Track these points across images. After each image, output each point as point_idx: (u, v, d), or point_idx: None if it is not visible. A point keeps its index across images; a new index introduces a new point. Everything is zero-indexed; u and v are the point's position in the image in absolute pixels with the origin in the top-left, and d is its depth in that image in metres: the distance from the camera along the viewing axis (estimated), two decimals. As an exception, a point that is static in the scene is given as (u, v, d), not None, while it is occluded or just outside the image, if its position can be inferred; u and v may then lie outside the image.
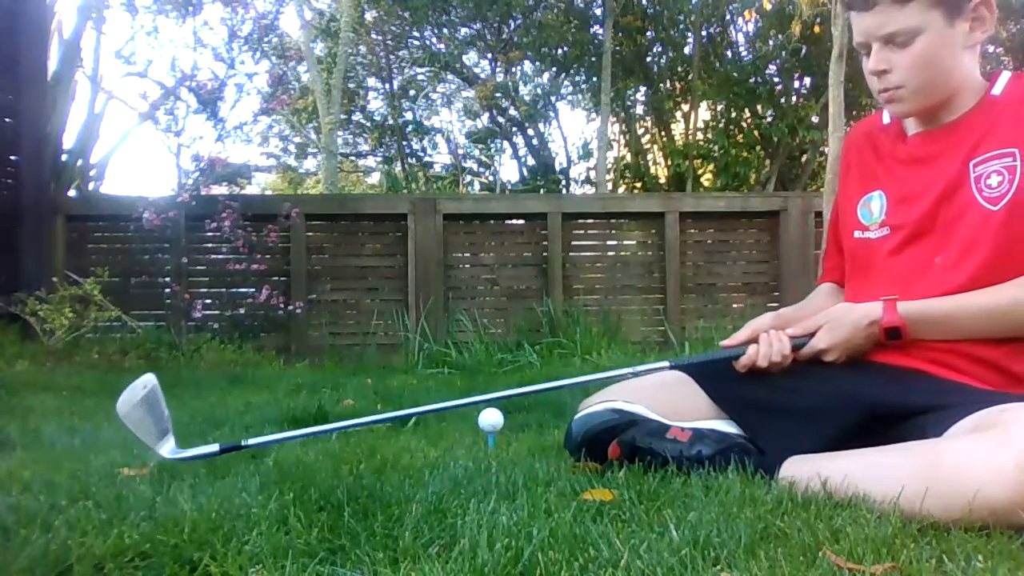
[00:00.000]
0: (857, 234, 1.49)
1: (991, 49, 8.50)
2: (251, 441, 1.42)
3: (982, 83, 1.39)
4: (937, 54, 1.35)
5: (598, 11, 9.29)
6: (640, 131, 10.02)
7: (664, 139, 9.78)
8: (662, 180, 9.53)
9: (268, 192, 11.80)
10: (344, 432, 1.97)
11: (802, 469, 1.23)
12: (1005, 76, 1.39)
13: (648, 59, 9.53)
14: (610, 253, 5.81)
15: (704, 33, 9.06)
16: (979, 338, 1.32)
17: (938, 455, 1.10)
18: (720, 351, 1.49)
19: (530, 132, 10.45)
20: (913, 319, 1.33)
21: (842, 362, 1.40)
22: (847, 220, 1.53)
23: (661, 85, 9.63)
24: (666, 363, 1.52)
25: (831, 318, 1.41)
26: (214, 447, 1.40)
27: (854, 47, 1.46)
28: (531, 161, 10.55)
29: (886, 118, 1.55)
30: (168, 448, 1.38)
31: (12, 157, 5.09)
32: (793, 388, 1.40)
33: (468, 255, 5.72)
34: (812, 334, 1.43)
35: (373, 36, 10.44)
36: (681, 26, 9.28)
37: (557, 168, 10.50)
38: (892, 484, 1.09)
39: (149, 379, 1.40)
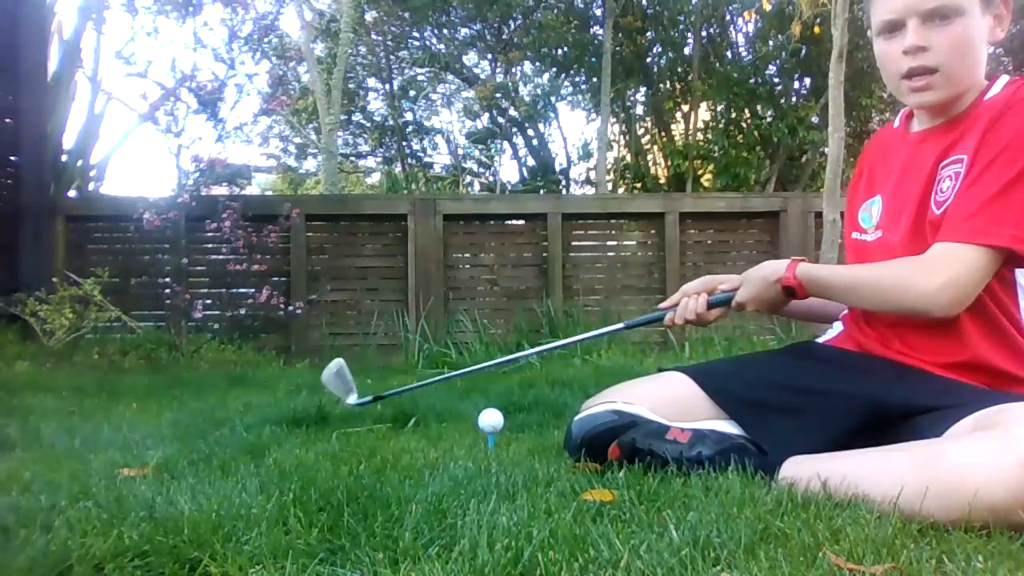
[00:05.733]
0: (855, 235, 1.50)
1: (992, 49, 8.49)
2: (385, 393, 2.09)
3: (983, 85, 1.38)
4: (973, 40, 1.33)
5: (598, 11, 9.30)
6: (640, 131, 10.02)
7: (664, 139, 9.78)
8: (662, 180, 9.54)
9: (268, 193, 11.80)
10: (344, 432, 1.97)
11: (802, 469, 1.23)
12: (1002, 80, 1.37)
13: (648, 59, 9.53)
14: (610, 253, 5.81)
15: (704, 33, 9.06)
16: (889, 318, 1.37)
17: (938, 455, 1.09)
18: (656, 312, 1.64)
19: (530, 132, 10.45)
20: (808, 281, 1.42)
21: (760, 310, 1.52)
22: (850, 222, 1.54)
23: (661, 85, 9.64)
24: (622, 324, 1.71)
25: (748, 276, 1.52)
26: (368, 396, 2.03)
27: (872, 27, 1.41)
28: (531, 161, 10.56)
29: (896, 122, 1.54)
30: (352, 400, 1.99)
31: (12, 157, 5.10)
32: (794, 388, 1.41)
33: (468, 255, 5.72)
34: (736, 289, 1.54)
35: (373, 36, 10.44)
36: (681, 26, 9.28)
37: (557, 168, 10.50)
38: (892, 484, 1.09)
39: (338, 361, 2.03)
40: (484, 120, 10.65)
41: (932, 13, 1.31)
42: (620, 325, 1.72)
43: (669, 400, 1.49)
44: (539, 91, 10.24)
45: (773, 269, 1.47)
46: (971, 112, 1.36)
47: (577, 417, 1.48)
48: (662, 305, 1.63)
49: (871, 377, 1.37)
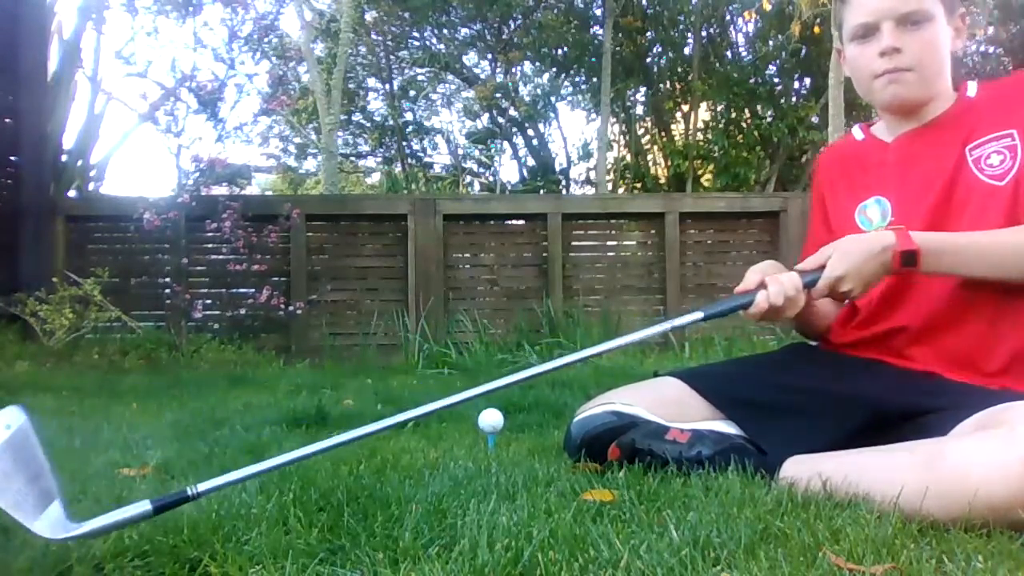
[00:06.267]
0: None
1: (991, 50, 8.50)
2: (200, 488, 1.02)
3: (951, 91, 1.46)
4: (941, 44, 1.41)
5: (598, 11, 9.30)
6: (640, 131, 10.03)
7: (664, 139, 9.79)
8: (662, 180, 9.54)
9: (268, 193, 11.81)
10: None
11: (803, 469, 1.23)
12: (974, 83, 1.46)
13: (648, 59, 9.54)
14: (610, 253, 5.81)
15: (704, 34, 9.07)
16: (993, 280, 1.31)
17: (940, 454, 1.09)
18: (736, 297, 1.38)
19: (530, 132, 10.46)
20: (928, 246, 1.29)
21: (857, 294, 1.33)
22: (844, 232, 1.50)
23: (661, 85, 9.65)
24: (700, 313, 1.37)
25: (839, 247, 1.34)
26: (145, 505, 0.97)
27: (844, 34, 1.47)
28: (531, 161, 10.56)
29: (858, 135, 1.58)
30: (51, 521, 0.90)
31: (12, 157, 5.10)
32: (795, 388, 1.40)
33: (468, 255, 5.72)
34: (822, 268, 1.34)
35: (373, 36, 10.45)
36: (681, 26, 9.29)
37: (557, 168, 10.51)
38: (893, 483, 1.09)
39: (13, 415, 0.94)
40: (484, 120, 10.66)
41: (906, 18, 1.39)
42: (699, 315, 1.37)
43: (667, 402, 1.48)
44: (539, 91, 10.25)
45: (876, 238, 1.32)
46: (965, 108, 1.42)
47: (576, 418, 1.48)
48: (740, 289, 1.37)
49: (871, 378, 1.37)
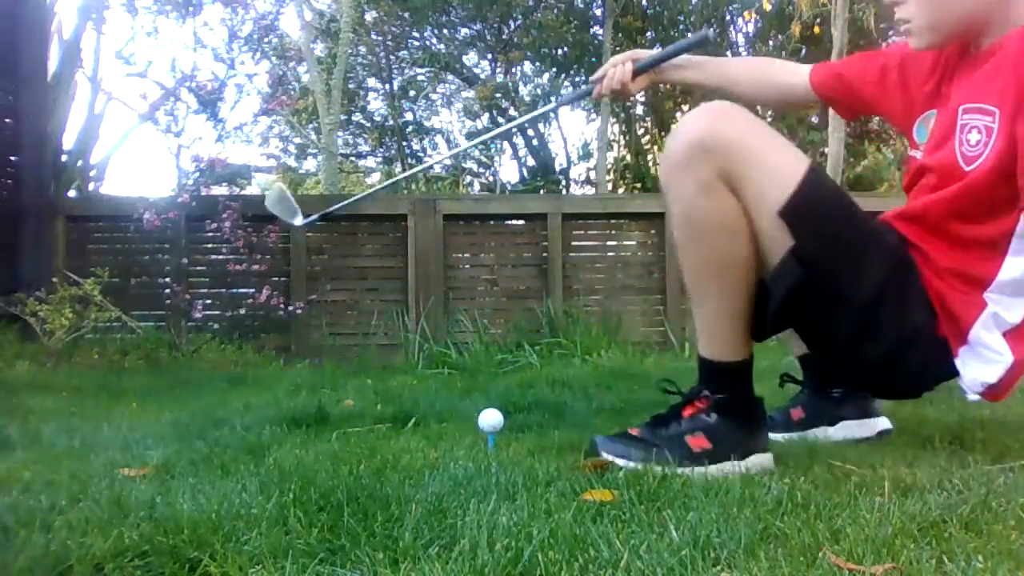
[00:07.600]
0: (912, 153, 1.49)
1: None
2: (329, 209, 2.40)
3: (1019, 16, 1.31)
4: None
5: (598, 11, 9.31)
6: (640, 131, 10.03)
7: (664, 139, 9.78)
8: (662, 180, 9.52)
9: (268, 192, 11.79)
10: (344, 432, 1.97)
11: None
12: None
13: (648, 59, 9.52)
14: (610, 253, 5.81)
15: (704, 33, 9.06)
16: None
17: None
18: (584, 88, 1.89)
19: (530, 132, 10.45)
20: None
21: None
22: (909, 134, 1.51)
23: (661, 85, 9.63)
24: (553, 103, 1.98)
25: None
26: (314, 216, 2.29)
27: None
28: (531, 161, 10.56)
29: None
30: (298, 220, 2.19)
31: (12, 158, 5.09)
32: None
33: (468, 255, 5.72)
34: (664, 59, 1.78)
35: (373, 37, 10.45)
36: (681, 26, 9.29)
37: (557, 168, 10.51)
38: None
39: (279, 187, 2.27)
40: (484, 120, 10.65)
41: None
42: (552, 105, 2.03)
43: None
44: (539, 91, 10.24)
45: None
46: (992, 50, 1.33)
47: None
48: (592, 79, 1.83)
49: None
